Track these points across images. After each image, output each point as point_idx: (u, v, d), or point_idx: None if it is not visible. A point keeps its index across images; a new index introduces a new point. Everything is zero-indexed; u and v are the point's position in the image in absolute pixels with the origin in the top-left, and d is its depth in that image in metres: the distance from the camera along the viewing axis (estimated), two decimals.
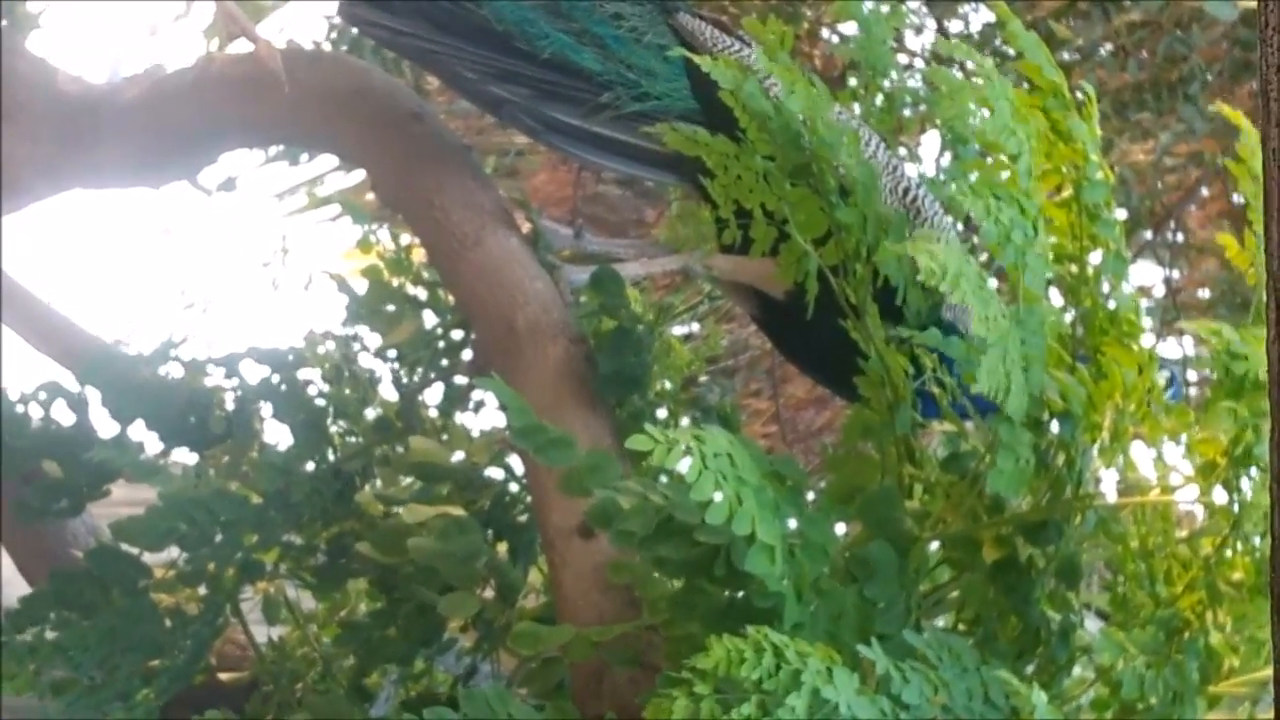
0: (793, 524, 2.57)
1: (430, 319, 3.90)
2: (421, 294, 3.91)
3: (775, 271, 3.30)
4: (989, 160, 2.95)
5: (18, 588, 3.88)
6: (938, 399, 2.88)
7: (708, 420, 3.92)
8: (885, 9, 3.89)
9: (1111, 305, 2.90)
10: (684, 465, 2.41)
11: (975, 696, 2.50)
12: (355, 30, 5.74)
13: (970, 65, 2.98)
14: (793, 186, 2.92)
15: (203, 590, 3.71)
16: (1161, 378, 3.29)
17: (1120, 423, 2.81)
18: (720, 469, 2.43)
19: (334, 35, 7.06)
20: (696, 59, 2.98)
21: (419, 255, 3.91)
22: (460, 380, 3.92)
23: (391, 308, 3.91)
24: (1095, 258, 2.96)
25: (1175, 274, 7.78)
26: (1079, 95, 2.98)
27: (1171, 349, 7.30)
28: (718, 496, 2.43)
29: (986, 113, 2.86)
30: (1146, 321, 2.90)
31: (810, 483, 2.71)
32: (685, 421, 3.98)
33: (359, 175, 8.02)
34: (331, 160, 7.92)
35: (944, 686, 2.45)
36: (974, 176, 2.83)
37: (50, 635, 3.57)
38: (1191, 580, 2.88)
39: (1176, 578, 2.90)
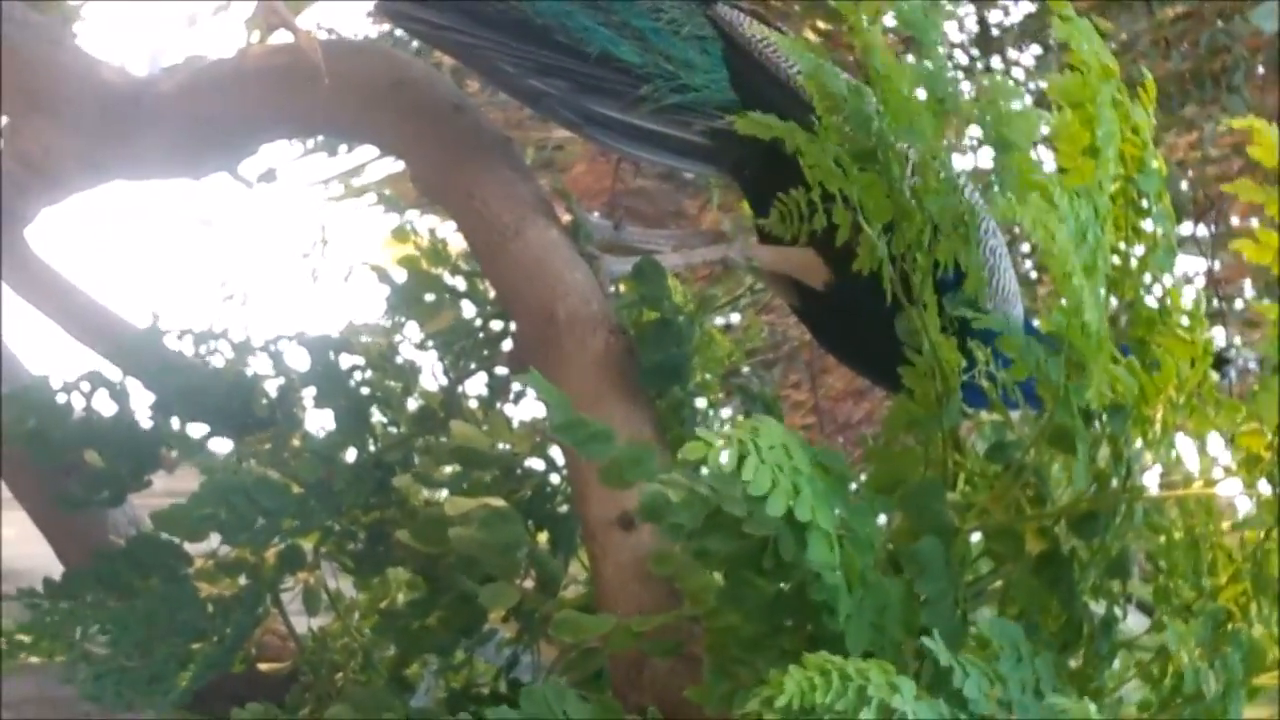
0: (838, 514, 2.56)
1: (470, 309, 3.91)
2: (461, 284, 3.91)
3: (815, 262, 3.30)
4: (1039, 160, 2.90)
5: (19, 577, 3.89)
6: (984, 390, 2.86)
7: (752, 409, 3.91)
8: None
9: (1158, 297, 2.87)
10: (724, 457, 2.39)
11: (1029, 688, 2.49)
12: (393, 26, 5.76)
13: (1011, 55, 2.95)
14: (862, 170, 2.90)
15: (243, 580, 3.73)
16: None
17: (1169, 415, 2.79)
18: (776, 460, 2.43)
19: (373, 28, 7.08)
20: (780, 39, 2.96)
21: (456, 246, 3.92)
22: (501, 371, 3.92)
23: (430, 297, 3.91)
24: (1139, 249, 2.94)
25: (1217, 264, 7.74)
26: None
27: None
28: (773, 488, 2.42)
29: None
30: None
31: (851, 474, 2.68)
32: (726, 412, 3.97)
33: (401, 163, 8.04)
34: (371, 151, 7.94)
35: (1000, 680, 2.45)
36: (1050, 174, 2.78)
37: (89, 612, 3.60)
38: (1236, 572, 2.86)
39: (1221, 569, 2.87)
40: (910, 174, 2.90)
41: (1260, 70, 6.95)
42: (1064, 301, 2.60)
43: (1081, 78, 2.76)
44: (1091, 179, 2.72)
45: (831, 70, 2.94)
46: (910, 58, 3.65)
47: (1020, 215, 2.57)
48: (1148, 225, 2.91)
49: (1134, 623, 2.98)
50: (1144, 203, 2.87)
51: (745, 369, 6.53)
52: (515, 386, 3.96)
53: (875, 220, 2.86)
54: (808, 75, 2.93)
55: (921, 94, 2.92)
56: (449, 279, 3.92)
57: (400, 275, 3.94)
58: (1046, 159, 2.93)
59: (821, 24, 6.68)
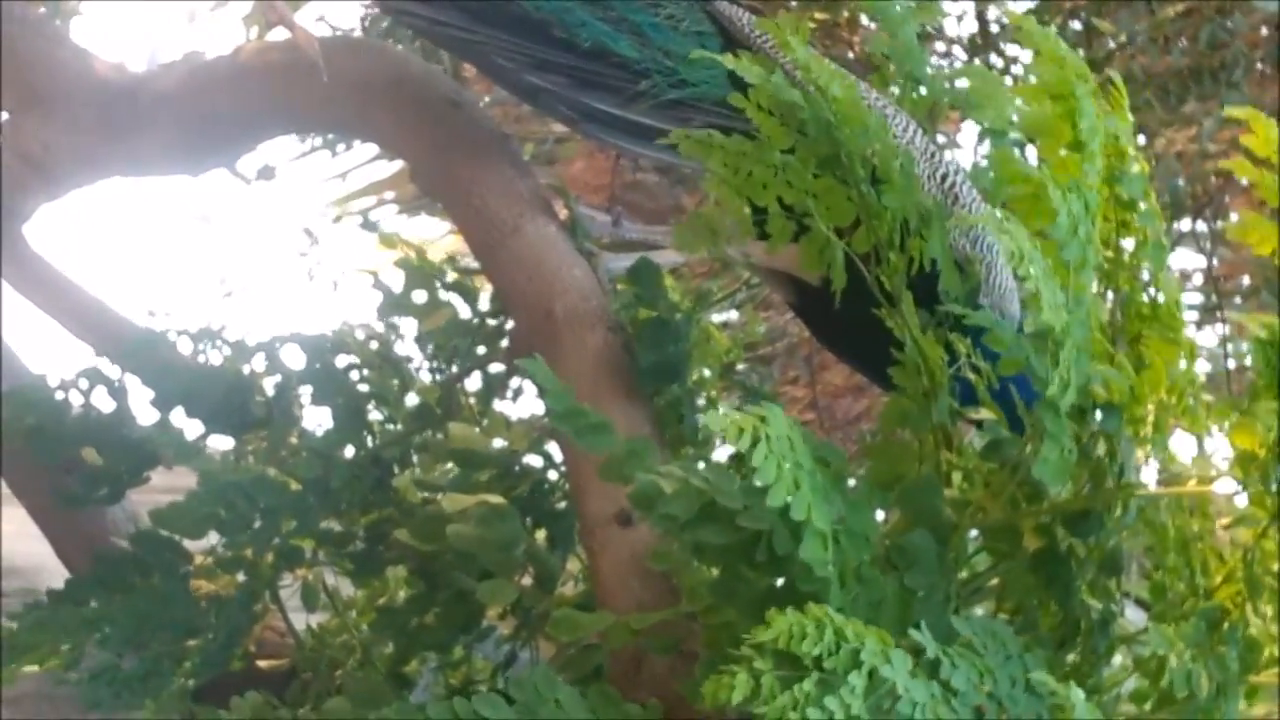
0: (835, 510, 2.56)
1: (465, 309, 3.91)
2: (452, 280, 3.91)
3: None
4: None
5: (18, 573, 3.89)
6: (975, 386, 2.86)
7: (750, 404, 3.91)
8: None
9: (1152, 294, 2.87)
10: (724, 451, 2.40)
11: (1018, 684, 2.49)
12: (391, 20, 5.76)
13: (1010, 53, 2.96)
14: (817, 177, 2.90)
15: (241, 577, 3.73)
16: None
17: (1161, 414, 2.79)
18: (782, 451, 2.43)
19: (369, 25, 7.09)
20: (720, 57, 2.97)
21: (438, 251, 3.92)
22: (498, 368, 3.92)
23: (424, 296, 3.91)
24: (1130, 243, 2.94)
25: (1216, 261, 7.74)
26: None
27: (1209, 337, 7.27)
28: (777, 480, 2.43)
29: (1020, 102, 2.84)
30: (1189, 314, 2.87)
31: (849, 469, 2.68)
32: (723, 409, 3.97)
33: (394, 165, 8.06)
34: (364, 154, 7.95)
35: (989, 673, 2.44)
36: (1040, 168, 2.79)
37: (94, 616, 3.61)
38: (1230, 571, 2.86)
39: (1215, 569, 2.88)
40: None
41: (1259, 66, 6.95)
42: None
43: (1061, 70, 2.77)
44: (1079, 173, 2.72)
45: (781, 82, 2.93)
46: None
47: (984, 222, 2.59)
48: (1135, 220, 2.92)
49: (1133, 618, 2.98)
50: (1129, 200, 2.87)
51: (743, 365, 6.52)
52: (513, 383, 3.97)
53: (831, 223, 2.86)
54: (758, 89, 2.92)
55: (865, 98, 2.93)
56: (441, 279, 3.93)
57: (394, 277, 3.94)
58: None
59: (820, 15, 6.69)
